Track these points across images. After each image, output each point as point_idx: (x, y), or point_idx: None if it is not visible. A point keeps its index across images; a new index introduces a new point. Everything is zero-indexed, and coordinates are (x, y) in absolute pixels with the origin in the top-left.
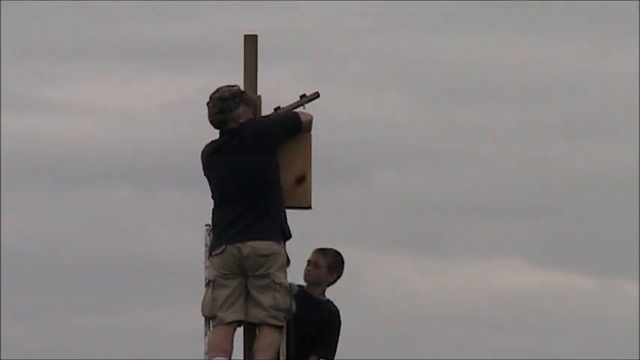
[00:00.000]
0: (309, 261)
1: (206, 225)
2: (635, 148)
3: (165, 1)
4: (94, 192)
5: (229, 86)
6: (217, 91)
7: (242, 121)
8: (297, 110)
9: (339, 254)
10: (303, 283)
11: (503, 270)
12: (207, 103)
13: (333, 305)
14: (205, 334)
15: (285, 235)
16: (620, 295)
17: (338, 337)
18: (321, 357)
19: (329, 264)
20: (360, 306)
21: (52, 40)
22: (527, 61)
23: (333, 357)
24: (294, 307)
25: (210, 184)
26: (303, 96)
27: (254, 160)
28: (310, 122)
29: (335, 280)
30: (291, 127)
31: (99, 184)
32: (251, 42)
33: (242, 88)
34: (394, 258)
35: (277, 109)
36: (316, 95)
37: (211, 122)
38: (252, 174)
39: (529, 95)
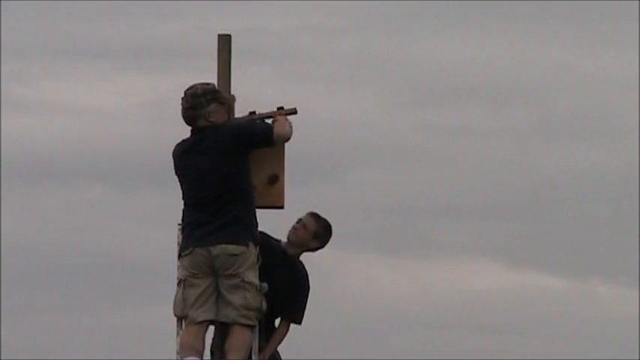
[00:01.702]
0: (300, 219)
1: (178, 224)
2: (611, 148)
3: (141, 0)
4: (68, 191)
5: (204, 84)
6: (191, 87)
7: (212, 119)
8: (279, 120)
9: (330, 228)
10: (281, 239)
11: (476, 271)
12: (181, 99)
13: (304, 268)
14: (177, 333)
15: (255, 240)
16: (593, 296)
17: (307, 301)
18: (291, 320)
19: (317, 231)
20: (332, 305)
21: (27, 38)
22: (501, 62)
23: (301, 321)
24: (264, 306)
25: (180, 184)
26: (280, 108)
27: (224, 164)
28: (286, 136)
29: (314, 249)
30: (262, 138)
31: (72, 183)
32: (225, 42)
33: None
34: (367, 258)
35: (252, 113)
36: (293, 111)
37: (183, 118)
38: (222, 178)
39: (503, 96)
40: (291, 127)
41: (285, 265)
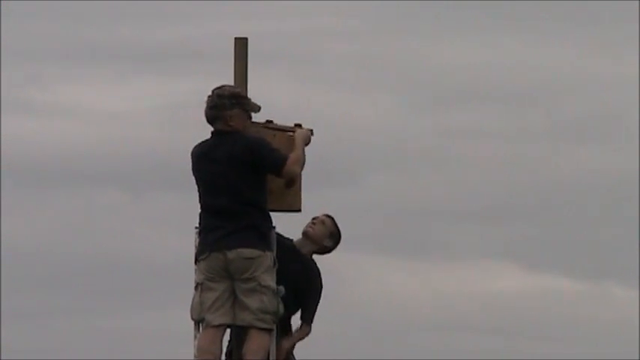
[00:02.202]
0: (316, 217)
1: (195, 227)
2: (625, 151)
3: (156, 2)
4: (82, 194)
5: (233, 87)
6: (219, 87)
7: (232, 124)
8: (294, 157)
9: (341, 234)
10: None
11: (492, 273)
12: (207, 96)
13: (316, 265)
14: (195, 337)
15: (271, 248)
16: (609, 299)
17: (319, 299)
18: (310, 321)
19: (333, 231)
20: (346, 308)
21: (42, 42)
22: (515, 64)
23: (313, 319)
24: (281, 310)
25: (197, 185)
26: (298, 125)
27: (234, 176)
28: (296, 174)
29: (325, 249)
30: (271, 168)
31: (87, 187)
32: (241, 45)
33: None
34: (382, 261)
35: (269, 122)
36: (310, 132)
37: (205, 116)
38: (234, 188)
39: (517, 98)
40: (303, 164)
41: (298, 262)
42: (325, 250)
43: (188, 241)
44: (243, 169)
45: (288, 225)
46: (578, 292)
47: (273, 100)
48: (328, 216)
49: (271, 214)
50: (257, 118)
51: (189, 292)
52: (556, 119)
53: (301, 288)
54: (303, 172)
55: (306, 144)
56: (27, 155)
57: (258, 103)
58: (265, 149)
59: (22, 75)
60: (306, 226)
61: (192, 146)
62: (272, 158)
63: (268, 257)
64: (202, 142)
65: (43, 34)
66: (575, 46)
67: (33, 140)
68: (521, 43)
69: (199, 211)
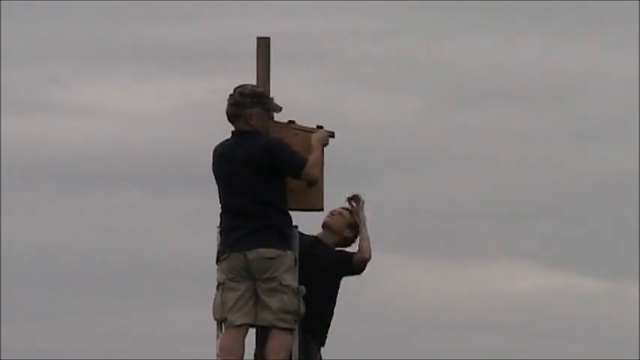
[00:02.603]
0: (334, 209)
1: (218, 227)
2: None
3: (179, 2)
4: (105, 194)
5: (256, 86)
6: (242, 86)
7: (252, 123)
8: (313, 160)
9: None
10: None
11: (513, 273)
12: (229, 95)
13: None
14: (217, 336)
15: (291, 248)
16: (629, 298)
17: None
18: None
19: (351, 222)
20: (368, 308)
21: (66, 42)
22: (538, 64)
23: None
24: (302, 309)
25: (217, 185)
26: (320, 127)
27: (253, 178)
28: (315, 178)
29: (346, 241)
30: (290, 170)
31: (109, 187)
32: (264, 45)
33: None
34: (404, 261)
35: (291, 122)
36: (331, 134)
37: (226, 114)
38: (252, 190)
39: (540, 98)
40: (322, 167)
41: (320, 247)
42: (347, 242)
43: (210, 240)
44: (261, 170)
45: (311, 224)
46: (599, 291)
47: (296, 100)
48: (345, 208)
49: (294, 213)
50: (279, 118)
51: (211, 292)
52: (577, 119)
53: (330, 262)
54: (325, 171)
55: (324, 145)
56: (49, 155)
57: (280, 104)
58: (284, 152)
59: (44, 75)
60: (326, 218)
61: (214, 145)
62: (291, 161)
63: (289, 256)
64: (223, 141)
65: (65, 33)
66: (596, 46)
67: (55, 140)
68: (542, 44)
69: (220, 211)
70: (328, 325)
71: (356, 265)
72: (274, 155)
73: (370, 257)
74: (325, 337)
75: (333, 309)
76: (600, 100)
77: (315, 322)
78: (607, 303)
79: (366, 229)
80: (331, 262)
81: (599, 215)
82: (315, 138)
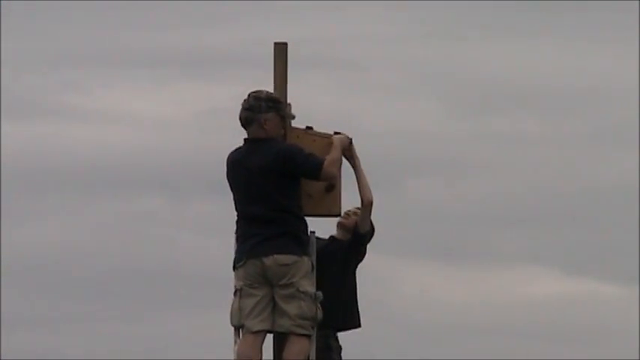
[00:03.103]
0: (349, 210)
1: (235, 233)
2: None
3: (198, 7)
4: (124, 200)
5: (271, 93)
6: (257, 91)
7: (267, 128)
8: (331, 158)
9: (374, 228)
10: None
11: (532, 278)
12: (244, 100)
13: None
14: (235, 342)
15: (307, 254)
16: None
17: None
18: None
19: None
20: (388, 312)
21: (85, 47)
22: (557, 70)
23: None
24: (319, 316)
25: (232, 192)
26: (337, 133)
27: (267, 185)
28: (334, 176)
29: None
30: (308, 173)
31: (129, 193)
32: (281, 50)
33: None
34: (423, 265)
35: (309, 128)
36: (348, 140)
37: (239, 119)
38: (267, 197)
39: (558, 104)
40: (340, 166)
41: (334, 243)
42: (364, 240)
43: (229, 247)
44: (275, 178)
45: (328, 229)
46: (617, 296)
47: (314, 106)
48: (360, 209)
49: (311, 218)
50: (296, 124)
51: (229, 298)
52: (595, 124)
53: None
54: (342, 177)
55: (344, 149)
56: (67, 160)
57: (297, 110)
58: (299, 156)
59: (64, 80)
60: (341, 218)
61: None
62: (308, 164)
63: (305, 262)
64: (236, 149)
65: (85, 39)
66: (615, 52)
67: (75, 146)
68: (562, 49)
69: (236, 218)
70: (357, 310)
71: (360, 221)
72: (290, 162)
73: (372, 198)
74: (359, 318)
75: (356, 291)
76: (618, 106)
77: (343, 311)
78: (625, 308)
79: (362, 172)
80: (344, 246)
81: (617, 221)
82: (336, 139)
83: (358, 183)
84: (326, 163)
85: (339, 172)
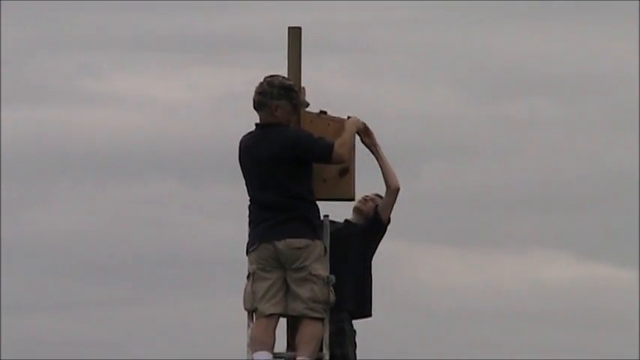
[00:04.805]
0: (367, 195)
1: (249, 218)
2: None
3: None
4: (138, 184)
5: (286, 78)
6: (272, 76)
7: (277, 114)
8: (342, 140)
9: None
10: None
11: (546, 262)
12: (259, 83)
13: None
14: (248, 326)
15: (320, 238)
16: None
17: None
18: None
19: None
20: (402, 297)
21: (99, 32)
22: (572, 54)
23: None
24: (332, 299)
25: (244, 177)
26: (349, 117)
27: (277, 171)
28: (345, 158)
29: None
30: (319, 156)
31: (143, 176)
32: (295, 35)
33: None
34: (437, 250)
35: (323, 112)
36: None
37: (252, 101)
38: (278, 183)
39: (573, 88)
40: (352, 151)
41: (349, 227)
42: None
43: (243, 232)
44: (286, 165)
45: (341, 215)
46: (629, 281)
47: (328, 90)
48: (379, 195)
49: (325, 202)
50: (310, 109)
51: (243, 283)
52: (611, 109)
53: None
54: (357, 161)
55: (357, 131)
56: (83, 145)
57: (312, 94)
58: (308, 141)
59: (78, 64)
60: (358, 203)
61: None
62: (318, 148)
63: (318, 246)
64: (248, 133)
65: (98, 23)
66: (632, 36)
67: (89, 130)
68: (578, 33)
69: (248, 202)
70: (370, 296)
71: (385, 207)
72: (299, 148)
73: (399, 185)
74: (371, 308)
75: (371, 280)
76: (634, 91)
77: (356, 297)
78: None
79: (385, 159)
80: (360, 230)
81: (631, 205)
82: (348, 122)
83: (382, 169)
84: (336, 145)
85: (351, 155)
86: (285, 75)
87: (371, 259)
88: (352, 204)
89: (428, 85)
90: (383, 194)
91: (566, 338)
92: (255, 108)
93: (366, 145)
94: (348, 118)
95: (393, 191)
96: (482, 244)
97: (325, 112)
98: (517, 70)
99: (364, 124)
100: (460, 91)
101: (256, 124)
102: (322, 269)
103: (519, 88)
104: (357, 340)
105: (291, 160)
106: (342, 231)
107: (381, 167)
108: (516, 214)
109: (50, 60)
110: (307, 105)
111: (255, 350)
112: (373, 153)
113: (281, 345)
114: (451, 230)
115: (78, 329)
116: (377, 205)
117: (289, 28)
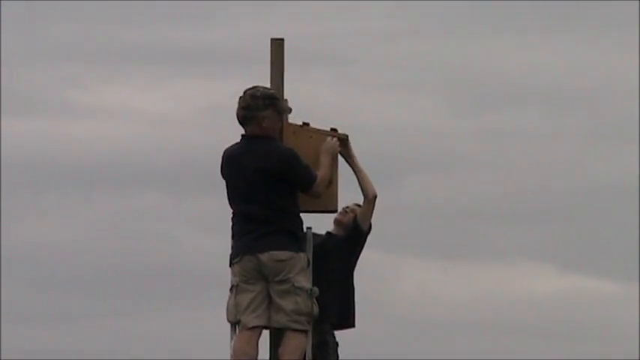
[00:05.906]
0: (347, 206)
1: (232, 230)
2: None
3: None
4: (123, 196)
5: (267, 88)
6: (252, 88)
7: (265, 125)
8: (323, 173)
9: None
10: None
11: (529, 274)
12: (239, 97)
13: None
14: (231, 339)
15: (303, 250)
16: None
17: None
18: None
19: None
20: (386, 309)
21: (83, 43)
22: (556, 66)
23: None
24: (315, 311)
25: (226, 188)
26: (333, 129)
27: (262, 185)
28: (321, 193)
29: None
30: (301, 184)
31: (128, 189)
32: (277, 46)
33: None
34: (421, 262)
35: (306, 124)
36: (345, 137)
37: (237, 117)
38: (261, 196)
39: (558, 100)
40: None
41: (331, 239)
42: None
43: (226, 243)
44: (272, 180)
45: (324, 227)
46: (615, 292)
47: (311, 102)
48: (358, 205)
49: (308, 214)
50: (293, 120)
51: (226, 294)
52: (594, 120)
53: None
54: (340, 173)
55: (334, 154)
56: (68, 157)
57: (294, 106)
58: (299, 166)
59: (63, 77)
60: (338, 215)
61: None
62: (304, 177)
63: (301, 258)
64: (233, 145)
65: (84, 35)
66: (614, 48)
67: (73, 142)
68: (560, 46)
69: (231, 214)
70: (353, 306)
71: (364, 216)
72: (288, 167)
73: (376, 193)
74: (354, 318)
75: (353, 290)
76: (616, 103)
77: (339, 308)
78: (624, 306)
79: (361, 169)
80: (342, 241)
81: (616, 217)
82: (323, 150)
83: (359, 180)
84: (317, 181)
85: (335, 177)
86: (268, 86)
87: (353, 269)
88: (334, 216)
89: (411, 96)
90: (359, 203)
91: (551, 350)
92: (240, 123)
93: (342, 155)
94: (331, 129)
95: (370, 200)
96: (466, 256)
97: (308, 124)
98: (501, 82)
99: (346, 137)
100: (444, 103)
101: (242, 136)
102: (305, 281)
103: (503, 100)
104: (339, 351)
105: (277, 176)
106: (323, 243)
107: (357, 176)
108: (500, 226)
109: (35, 72)
110: (290, 111)
111: None
112: (349, 164)
113: (264, 357)
114: (435, 242)
115: (63, 341)
116: (356, 215)
117: (272, 39)
